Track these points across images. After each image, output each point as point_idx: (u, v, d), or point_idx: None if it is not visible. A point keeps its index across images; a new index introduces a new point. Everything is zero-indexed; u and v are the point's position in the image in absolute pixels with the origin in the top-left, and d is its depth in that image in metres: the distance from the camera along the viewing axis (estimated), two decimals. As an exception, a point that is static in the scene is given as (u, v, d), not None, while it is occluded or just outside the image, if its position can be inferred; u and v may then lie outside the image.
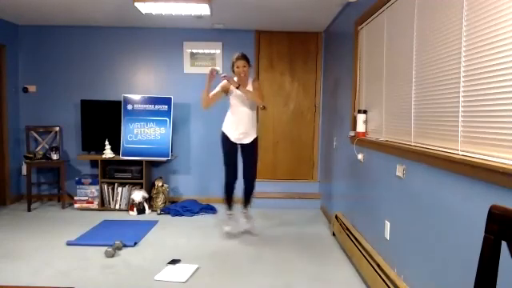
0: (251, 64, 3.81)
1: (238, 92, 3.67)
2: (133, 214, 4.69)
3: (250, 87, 3.73)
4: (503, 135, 1.49)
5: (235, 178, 3.85)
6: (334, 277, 3.00)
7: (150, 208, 4.83)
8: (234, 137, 3.77)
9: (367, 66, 3.24)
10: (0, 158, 4.96)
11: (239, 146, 3.81)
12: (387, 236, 2.64)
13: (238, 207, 4.18)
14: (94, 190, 4.86)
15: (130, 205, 4.74)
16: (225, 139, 3.79)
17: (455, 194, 1.80)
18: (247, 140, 3.78)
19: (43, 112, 5.27)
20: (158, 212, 4.77)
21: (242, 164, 3.88)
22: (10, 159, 5.10)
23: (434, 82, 2.04)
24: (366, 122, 3.23)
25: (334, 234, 3.97)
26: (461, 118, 1.78)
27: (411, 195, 2.29)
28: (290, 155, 5.42)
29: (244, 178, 3.90)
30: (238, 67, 3.68)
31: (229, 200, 3.95)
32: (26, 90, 5.24)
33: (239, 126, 3.75)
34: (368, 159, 3.11)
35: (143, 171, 4.88)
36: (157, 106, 4.93)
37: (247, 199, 4.00)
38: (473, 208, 1.66)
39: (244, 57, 3.71)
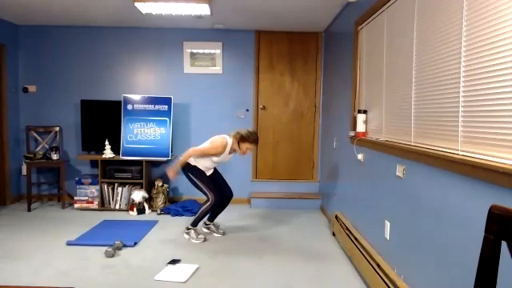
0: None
1: (228, 156, 3.82)
2: (133, 214, 4.69)
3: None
4: (503, 135, 1.49)
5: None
6: (334, 277, 3.00)
7: (149, 208, 4.83)
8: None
9: (367, 66, 3.24)
10: (0, 157, 4.96)
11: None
12: (387, 236, 2.64)
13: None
14: (94, 190, 4.86)
15: (130, 205, 4.74)
16: (203, 173, 3.85)
17: (455, 193, 1.80)
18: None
19: (43, 112, 5.27)
20: (158, 212, 4.77)
21: (219, 183, 4.00)
22: (10, 159, 5.10)
23: (433, 82, 2.04)
24: (365, 122, 3.23)
25: (334, 234, 3.97)
26: (461, 118, 1.78)
27: (411, 195, 2.29)
28: (290, 155, 5.42)
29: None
30: (247, 148, 3.75)
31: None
32: (25, 90, 5.24)
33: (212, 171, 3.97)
34: (368, 159, 3.11)
35: (143, 171, 4.88)
36: (157, 106, 4.93)
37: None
38: (473, 208, 1.66)
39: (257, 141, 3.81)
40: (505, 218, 0.90)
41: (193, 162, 3.79)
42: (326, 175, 4.91)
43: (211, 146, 3.69)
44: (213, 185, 3.82)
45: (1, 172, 4.96)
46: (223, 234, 3.98)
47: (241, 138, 3.72)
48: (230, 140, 3.75)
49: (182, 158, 3.74)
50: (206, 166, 3.82)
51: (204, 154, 3.73)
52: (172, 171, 3.78)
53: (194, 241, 3.74)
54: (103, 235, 3.83)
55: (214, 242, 3.74)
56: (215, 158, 3.77)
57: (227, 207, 4.07)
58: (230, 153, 3.80)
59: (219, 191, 3.86)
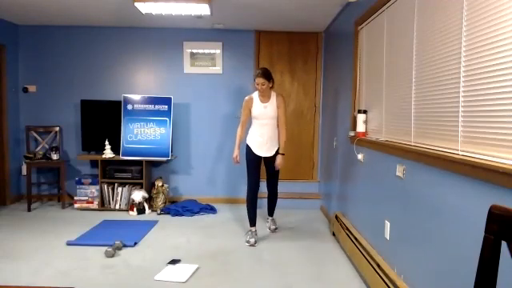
0: (272, 78, 3.75)
1: (260, 106, 3.76)
2: (133, 214, 4.69)
3: (273, 101, 3.77)
4: (503, 135, 1.49)
5: (258, 186, 3.89)
6: (334, 277, 3.00)
7: (149, 208, 4.83)
8: (257, 150, 3.83)
9: (367, 66, 3.24)
10: (0, 157, 4.96)
11: (262, 159, 3.90)
12: (387, 236, 2.64)
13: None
14: (94, 190, 4.86)
15: (130, 205, 4.75)
16: (248, 151, 3.85)
17: (455, 194, 1.80)
18: (270, 153, 3.86)
19: (43, 112, 5.27)
20: (158, 212, 4.77)
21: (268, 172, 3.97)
22: (10, 159, 5.10)
23: (433, 82, 2.04)
24: (365, 122, 3.23)
25: (333, 234, 3.97)
26: (461, 118, 1.78)
27: (411, 195, 2.29)
28: (290, 155, 5.41)
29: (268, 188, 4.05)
30: (257, 84, 3.70)
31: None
32: (25, 90, 5.24)
33: (263, 139, 3.82)
34: (368, 159, 3.11)
35: (143, 171, 4.88)
36: (157, 106, 4.93)
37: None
38: (473, 208, 1.66)
39: (263, 74, 3.67)
40: (505, 217, 0.90)
41: (247, 138, 3.89)
42: (326, 175, 4.91)
43: (242, 108, 3.85)
44: (255, 170, 3.81)
45: (1, 172, 4.96)
46: (271, 230, 4.14)
47: (253, 79, 3.79)
48: (253, 93, 3.86)
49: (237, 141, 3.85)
50: (255, 133, 3.82)
51: (244, 120, 3.85)
52: (235, 157, 3.86)
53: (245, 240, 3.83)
54: (103, 235, 3.83)
55: (213, 242, 3.74)
56: (254, 116, 3.79)
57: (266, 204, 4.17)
58: (262, 102, 3.77)
59: (267, 180, 3.96)
